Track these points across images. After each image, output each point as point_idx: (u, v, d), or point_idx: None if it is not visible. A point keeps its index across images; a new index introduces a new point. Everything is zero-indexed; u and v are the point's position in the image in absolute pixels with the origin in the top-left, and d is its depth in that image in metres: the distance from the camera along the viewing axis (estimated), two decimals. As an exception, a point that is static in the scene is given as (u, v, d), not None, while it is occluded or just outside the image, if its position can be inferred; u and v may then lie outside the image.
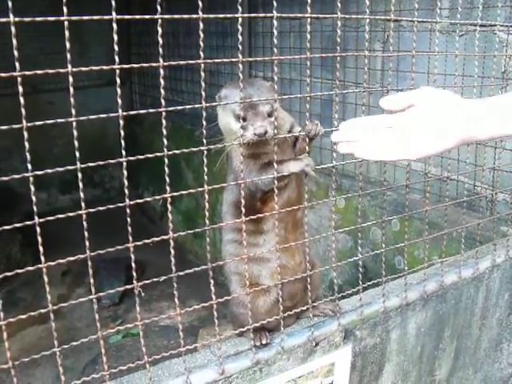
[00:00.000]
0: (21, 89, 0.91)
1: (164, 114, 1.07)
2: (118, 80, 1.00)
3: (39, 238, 1.01)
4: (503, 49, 2.17)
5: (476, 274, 1.78)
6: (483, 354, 1.97)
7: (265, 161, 1.38)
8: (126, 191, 1.07)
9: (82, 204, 1.04)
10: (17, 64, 0.90)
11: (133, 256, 1.10)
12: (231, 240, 1.49)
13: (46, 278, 1.06)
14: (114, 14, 0.95)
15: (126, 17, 1.00)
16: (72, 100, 0.96)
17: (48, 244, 0.97)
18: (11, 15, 0.85)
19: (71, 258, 1.06)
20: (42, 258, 1.04)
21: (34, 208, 0.99)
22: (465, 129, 1.05)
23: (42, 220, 1.00)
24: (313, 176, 1.34)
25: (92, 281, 1.10)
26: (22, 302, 4.11)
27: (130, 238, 1.10)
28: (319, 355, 1.42)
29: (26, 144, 0.94)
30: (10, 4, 0.84)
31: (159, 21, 1.01)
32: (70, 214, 1.03)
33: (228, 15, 1.13)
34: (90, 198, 5.37)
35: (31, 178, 0.98)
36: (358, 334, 1.50)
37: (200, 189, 1.14)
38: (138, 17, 1.01)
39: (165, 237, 1.15)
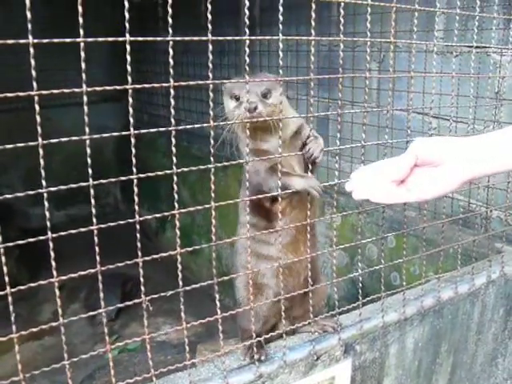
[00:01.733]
0: (37, 107, 0.94)
1: (174, 132, 1.10)
2: (131, 99, 1.04)
3: (52, 253, 1.04)
4: (497, 70, 2.23)
5: (472, 289, 1.82)
6: (479, 368, 2.00)
7: (270, 163, 1.39)
8: (137, 208, 1.10)
9: (94, 220, 1.07)
10: (34, 84, 0.93)
11: (141, 271, 1.12)
12: (245, 235, 1.51)
13: (57, 292, 1.08)
14: (127, 35, 0.99)
15: (140, 38, 1.03)
16: (86, 118, 0.99)
17: (44, 260, 0.98)
18: (30, 36, 0.89)
19: (82, 273, 1.09)
20: (54, 273, 1.07)
21: (48, 223, 1.02)
22: (468, 171, 1.06)
23: (54, 235, 1.03)
24: (316, 197, 1.38)
25: (102, 295, 1.12)
26: (17, 317, 4.10)
27: (139, 253, 1.12)
28: (320, 369, 1.44)
29: (41, 161, 0.97)
30: (29, 26, 0.87)
31: (170, 43, 1.05)
32: (82, 230, 1.06)
33: (237, 37, 1.17)
34: (86, 214, 5.37)
35: (45, 195, 1.01)
36: (358, 348, 1.53)
37: (207, 206, 1.17)
38: (150, 38, 1.04)
39: (172, 252, 1.18)
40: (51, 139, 0.96)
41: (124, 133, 1.06)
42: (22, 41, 0.89)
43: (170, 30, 1.04)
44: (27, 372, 1.06)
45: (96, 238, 1.07)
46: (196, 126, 1.16)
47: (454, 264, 1.83)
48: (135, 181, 1.08)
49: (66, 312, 4.26)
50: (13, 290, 1.02)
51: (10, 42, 0.89)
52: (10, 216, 4.85)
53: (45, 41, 0.92)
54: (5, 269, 0.99)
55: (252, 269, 1.30)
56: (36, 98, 0.94)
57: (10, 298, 1.03)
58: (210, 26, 1.07)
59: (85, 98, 0.98)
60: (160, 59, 4.65)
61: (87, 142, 1.02)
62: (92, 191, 1.03)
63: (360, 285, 1.49)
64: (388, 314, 1.59)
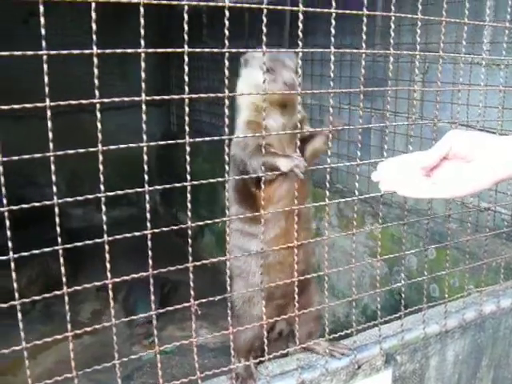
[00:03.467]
0: (99, 115, 0.98)
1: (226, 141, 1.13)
2: (187, 108, 1.07)
3: (107, 256, 1.08)
4: (544, 83, 2.21)
5: (515, 304, 1.81)
6: (520, 384, 1.98)
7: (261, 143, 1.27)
8: (189, 213, 1.13)
9: (148, 224, 1.11)
10: (96, 92, 0.98)
11: (191, 275, 1.16)
12: (235, 229, 1.46)
13: (111, 294, 1.12)
14: (186, 47, 1.03)
15: (197, 50, 1.07)
16: (144, 126, 1.03)
17: (84, 261, 1.01)
18: (94, 47, 0.93)
19: (135, 276, 1.13)
20: (109, 275, 1.11)
21: (104, 227, 1.07)
22: (501, 171, 1.02)
23: (110, 238, 1.08)
24: (301, 177, 1.29)
25: (152, 298, 1.16)
26: (57, 316, 4.20)
27: (190, 258, 1.16)
28: (361, 378, 1.46)
29: (101, 166, 1.01)
30: (94, 37, 0.92)
31: (226, 54, 1.08)
32: (136, 234, 1.10)
33: (290, 49, 1.19)
34: (127, 216, 5.48)
35: (103, 199, 1.05)
36: (399, 358, 1.53)
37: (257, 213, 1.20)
38: (198, 50, 1.06)
39: (222, 258, 1.21)
40: (97, 142, 0.99)
41: (179, 141, 1.10)
42: (86, 51, 0.95)
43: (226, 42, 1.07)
44: (66, 370, 1.09)
45: (149, 243, 1.11)
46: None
47: (496, 278, 1.82)
48: (189, 187, 1.11)
49: (104, 312, 4.35)
50: (78, 287, 1.06)
51: (75, 52, 0.94)
52: (51, 216, 4.97)
53: (108, 51, 0.97)
54: (62, 270, 1.02)
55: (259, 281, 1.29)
56: (98, 106, 0.98)
57: (66, 298, 1.07)
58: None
59: (143, 107, 1.02)
60: (203, 65, 4.74)
61: (145, 149, 1.05)
62: (147, 188, 1.07)
63: (402, 295, 1.51)
64: (429, 325, 1.59)
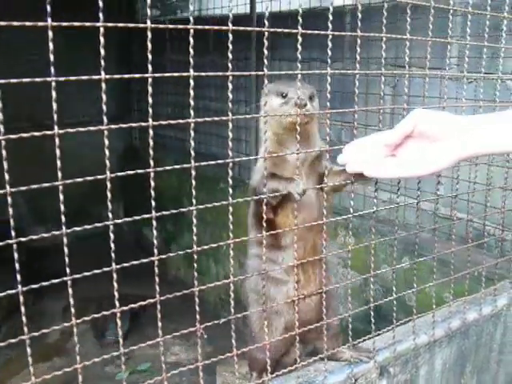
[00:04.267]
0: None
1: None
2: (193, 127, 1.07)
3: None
4: (510, 96, 2.30)
5: (495, 311, 1.87)
6: (500, 388, 2.04)
7: (273, 172, 1.35)
8: (194, 238, 1.13)
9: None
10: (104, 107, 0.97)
11: (197, 300, 1.16)
12: (254, 254, 1.51)
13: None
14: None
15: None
16: (152, 142, 1.03)
17: (48, 280, 0.97)
18: (103, 72, 0.93)
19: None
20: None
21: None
22: (463, 149, 1.05)
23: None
24: (296, 199, 1.31)
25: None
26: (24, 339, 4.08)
27: (195, 283, 1.16)
28: (357, 392, 1.48)
29: (110, 190, 1.00)
30: (102, 63, 0.92)
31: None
32: (144, 260, 1.10)
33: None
34: (89, 233, 5.37)
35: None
36: (392, 370, 1.56)
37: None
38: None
39: (241, 277, 1.21)
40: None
41: (186, 165, 1.10)
42: (95, 77, 0.94)
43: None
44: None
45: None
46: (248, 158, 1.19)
47: (469, 285, 1.87)
48: (195, 212, 1.11)
49: (71, 334, 4.25)
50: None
51: (84, 77, 0.94)
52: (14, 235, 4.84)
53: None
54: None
55: (264, 298, 1.30)
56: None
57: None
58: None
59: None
60: (168, 79, 4.72)
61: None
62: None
63: (394, 308, 1.54)
64: (419, 336, 1.63)
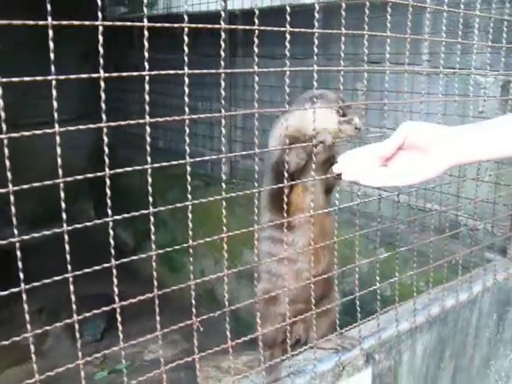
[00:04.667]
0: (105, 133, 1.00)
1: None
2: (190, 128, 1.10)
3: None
4: (480, 90, 2.38)
5: (471, 297, 1.94)
6: (475, 371, 2.13)
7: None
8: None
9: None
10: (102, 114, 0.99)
11: (193, 293, 1.19)
12: (267, 237, 1.55)
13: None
14: (101, 72, 1.06)
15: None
16: (153, 143, 1.05)
17: (17, 282, 0.95)
18: (101, 70, 0.95)
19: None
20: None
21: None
22: (451, 159, 1.11)
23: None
24: (329, 143, 1.41)
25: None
26: (-4, 342, 4.03)
27: (192, 276, 1.19)
28: (345, 378, 1.53)
29: (108, 192, 1.02)
30: (101, 61, 0.94)
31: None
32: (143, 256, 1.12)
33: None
34: (60, 234, 5.30)
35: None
36: (377, 357, 1.62)
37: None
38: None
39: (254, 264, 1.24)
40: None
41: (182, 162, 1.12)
42: (94, 75, 0.96)
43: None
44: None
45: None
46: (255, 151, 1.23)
47: (443, 273, 1.94)
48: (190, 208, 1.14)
49: (48, 335, 4.22)
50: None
51: (84, 76, 0.96)
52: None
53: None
54: None
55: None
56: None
57: None
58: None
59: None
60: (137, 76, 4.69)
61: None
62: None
63: (378, 297, 1.59)
64: (401, 323, 1.69)
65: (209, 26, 1.10)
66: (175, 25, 1.05)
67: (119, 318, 1.13)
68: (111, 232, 1.04)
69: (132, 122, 1.04)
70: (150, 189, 1.03)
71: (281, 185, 1.26)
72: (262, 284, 1.59)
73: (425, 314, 1.77)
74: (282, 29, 1.24)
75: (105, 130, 1.00)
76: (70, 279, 0.98)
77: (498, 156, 1.14)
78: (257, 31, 1.18)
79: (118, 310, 1.12)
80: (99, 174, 0.99)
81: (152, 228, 1.07)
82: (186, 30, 1.05)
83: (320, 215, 1.47)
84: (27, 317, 0.96)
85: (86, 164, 5.71)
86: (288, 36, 1.24)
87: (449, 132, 1.14)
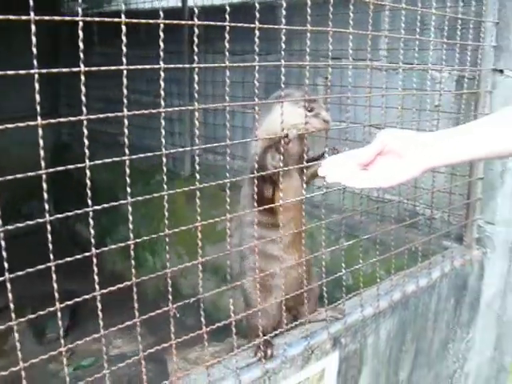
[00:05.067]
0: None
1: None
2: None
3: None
4: (436, 85, 2.49)
5: (430, 283, 2.04)
6: (435, 354, 2.23)
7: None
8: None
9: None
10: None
11: (169, 280, 1.22)
12: (250, 235, 1.59)
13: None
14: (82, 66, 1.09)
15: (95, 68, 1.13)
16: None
17: None
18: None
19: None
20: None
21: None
22: (426, 163, 1.18)
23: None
24: (293, 137, 1.50)
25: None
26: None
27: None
28: (313, 362, 1.59)
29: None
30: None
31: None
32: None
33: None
34: (25, 229, 5.22)
35: None
36: (343, 341, 1.69)
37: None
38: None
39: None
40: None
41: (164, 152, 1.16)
42: (90, 69, 0.98)
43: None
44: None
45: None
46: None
47: (403, 261, 2.03)
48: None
49: (10, 334, 4.16)
50: None
51: (82, 68, 0.98)
52: None
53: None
54: None
55: (259, 273, 1.47)
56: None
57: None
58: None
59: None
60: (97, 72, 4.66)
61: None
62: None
63: (344, 283, 1.66)
64: (365, 308, 1.77)
65: (183, 22, 1.14)
66: (150, 20, 1.07)
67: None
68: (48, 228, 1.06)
69: (110, 114, 1.07)
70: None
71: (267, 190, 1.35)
72: (251, 283, 1.63)
73: (387, 300, 1.86)
74: (252, 25, 1.29)
75: (86, 122, 1.02)
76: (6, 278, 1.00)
77: (467, 159, 1.22)
78: (227, 27, 1.22)
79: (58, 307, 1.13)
80: (59, 168, 0.98)
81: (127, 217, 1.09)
82: (162, 25, 1.09)
83: (300, 212, 1.54)
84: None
85: (48, 161, 5.61)
86: (258, 32, 1.30)
87: (422, 138, 1.22)
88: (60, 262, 1.03)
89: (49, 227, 0.99)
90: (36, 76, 0.91)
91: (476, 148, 1.17)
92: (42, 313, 1.08)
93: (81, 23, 0.94)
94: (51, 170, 0.96)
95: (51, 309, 1.10)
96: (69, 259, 1.05)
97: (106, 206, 1.08)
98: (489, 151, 1.18)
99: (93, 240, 1.08)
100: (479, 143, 1.17)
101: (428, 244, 2.20)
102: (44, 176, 0.95)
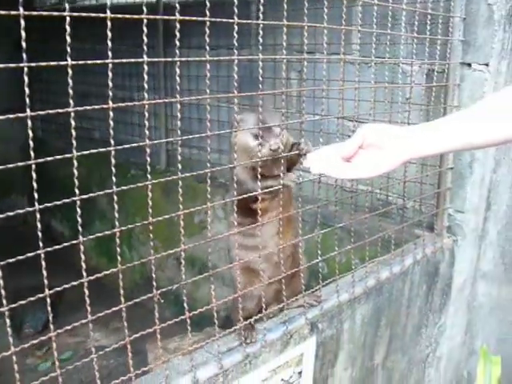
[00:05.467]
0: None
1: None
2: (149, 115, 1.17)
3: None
4: (407, 78, 2.55)
5: (403, 269, 2.11)
6: (408, 338, 2.30)
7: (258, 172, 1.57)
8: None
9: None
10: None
11: (153, 267, 1.26)
12: (234, 242, 1.68)
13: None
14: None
15: (82, 62, 1.17)
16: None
17: None
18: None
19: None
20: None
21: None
22: (404, 155, 1.27)
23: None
24: (291, 187, 1.67)
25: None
26: None
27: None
28: (292, 347, 1.65)
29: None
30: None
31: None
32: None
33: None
34: (-2, 226, 5.21)
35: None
36: (320, 326, 1.75)
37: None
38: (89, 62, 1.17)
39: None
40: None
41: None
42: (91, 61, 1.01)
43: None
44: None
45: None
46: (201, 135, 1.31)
47: (377, 250, 2.10)
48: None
49: (-15, 330, 4.14)
50: None
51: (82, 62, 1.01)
52: None
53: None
54: None
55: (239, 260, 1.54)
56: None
57: None
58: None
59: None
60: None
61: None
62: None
63: (320, 270, 1.71)
64: (341, 294, 1.83)
65: (170, 17, 1.18)
66: (135, 16, 1.11)
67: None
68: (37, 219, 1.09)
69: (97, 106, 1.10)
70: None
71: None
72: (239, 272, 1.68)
73: (362, 286, 1.92)
74: (231, 20, 1.33)
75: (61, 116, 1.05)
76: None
77: (440, 151, 1.31)
78: (208, 22, 1.26)
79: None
80: (30, 162, 0.98)
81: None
82: (145, 20, 1.12)
83: (287, 204, 1.66)
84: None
85: (20, 157, 5.57)
86: (236, 27, 1.34)
87: (401, 131, 1.30)
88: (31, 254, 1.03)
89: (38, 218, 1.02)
90: (25, 69, 0.93)
91: (447, 142, 1.25)
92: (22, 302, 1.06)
93: (68, 18, 0.97)
94: (41, 160, 0.98)
95: (32, 298, 1.09)
96: (49, 249, 1.07)
97: (84, 197, 1.08)
98: (458, 144, 1.26)
99: (80, 228, 1.10)
100: (449, 137, 1.25)
101: (400, 233, 2.27)
102: (34, 166, 0.97)
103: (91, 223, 4.81)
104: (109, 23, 1.05)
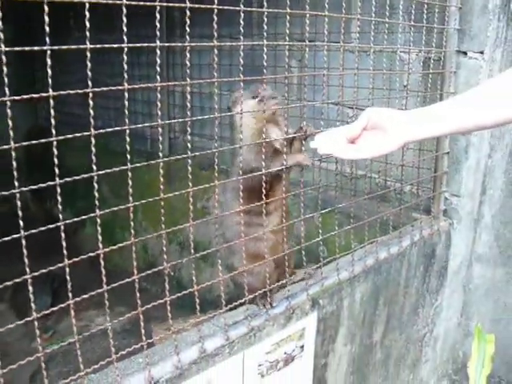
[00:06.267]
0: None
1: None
2: (159, 99, 1.24)
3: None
4: (404, 66, 2.62)
5: (400, 250, 2.19)
6: (406, 318, 2.38)
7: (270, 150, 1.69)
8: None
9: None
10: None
11: (164, 247, 1.33)
12: (237, 222, 1.68)
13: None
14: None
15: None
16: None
17: None
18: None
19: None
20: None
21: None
22: (406, 136, 1.35)
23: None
24: (309, 165, 1.76)
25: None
26: None
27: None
28: (294, 321, 1.72)
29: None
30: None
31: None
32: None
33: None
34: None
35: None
36: (321, 302, 1.82)
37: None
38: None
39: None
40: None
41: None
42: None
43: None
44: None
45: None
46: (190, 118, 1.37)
47: (376, 233, 2.17)
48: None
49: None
50: None
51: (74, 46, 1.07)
52: None
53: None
54: None
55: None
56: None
57: None
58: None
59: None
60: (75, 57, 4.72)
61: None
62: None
63: (321, 248, 1.79)
64: (341, 272, 1.90)
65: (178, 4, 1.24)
66: (148, 3, 1.18)
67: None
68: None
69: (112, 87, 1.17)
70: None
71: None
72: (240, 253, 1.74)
73: (361, 265, 2.00)
74: (237, 8, 1.40)
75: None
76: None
77: (438, 134, 1.39)
78: (216, 10, 1.32)
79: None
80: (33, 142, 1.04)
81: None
82: (158, 7, 1.18)
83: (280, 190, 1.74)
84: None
85: (24, 146, 5.62)
86: (242, 15, 1.40)
87: (403, 114, 1.38)
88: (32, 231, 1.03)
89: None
90: (48, 52, 1.00)
91: (442, 125, 1.34)
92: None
93: (87, 4, 1.04)
94: (61, 137, 1.04)
95: (36, 273, 1.07)
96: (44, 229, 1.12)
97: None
98: (453, 128, 1.34)
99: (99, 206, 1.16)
100: (444, 121, 1.33)
101: (398, 216, 2.34)
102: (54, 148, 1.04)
103: (93, 211, 4.85)
104: (124, 10, 1.12)
